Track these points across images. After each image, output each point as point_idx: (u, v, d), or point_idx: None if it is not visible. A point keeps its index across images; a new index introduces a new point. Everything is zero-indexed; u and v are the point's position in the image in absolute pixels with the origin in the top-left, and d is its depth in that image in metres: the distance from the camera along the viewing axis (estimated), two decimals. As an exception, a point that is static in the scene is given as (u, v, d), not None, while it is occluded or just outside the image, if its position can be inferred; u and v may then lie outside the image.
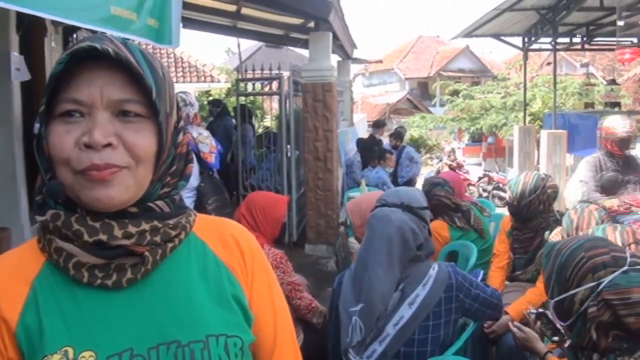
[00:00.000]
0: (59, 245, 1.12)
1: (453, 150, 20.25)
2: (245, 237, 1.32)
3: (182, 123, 1.22)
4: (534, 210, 4.14)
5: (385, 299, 2.76)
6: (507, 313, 3.95)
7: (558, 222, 4.13)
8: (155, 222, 1.15)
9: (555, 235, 4.07)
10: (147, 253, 1.14)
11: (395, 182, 11.47)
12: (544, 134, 11.91)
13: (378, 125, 13.06)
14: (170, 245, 1.18)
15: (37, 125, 1.14)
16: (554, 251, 2.17)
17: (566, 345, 2.28)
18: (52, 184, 1.11)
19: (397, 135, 12.68)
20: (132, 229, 1.12)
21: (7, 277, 1.14)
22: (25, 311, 1.11)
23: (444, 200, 4.79)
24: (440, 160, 20.52)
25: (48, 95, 1.10)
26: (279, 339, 1.31)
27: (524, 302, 3.98)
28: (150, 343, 1.12)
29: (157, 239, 1.15)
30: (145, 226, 1.13)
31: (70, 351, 1.08)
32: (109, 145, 1.07)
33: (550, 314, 2.24)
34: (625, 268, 1.99)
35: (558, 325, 2.15)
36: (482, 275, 4.21)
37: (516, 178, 4.32)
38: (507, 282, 4.33)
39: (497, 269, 4.30)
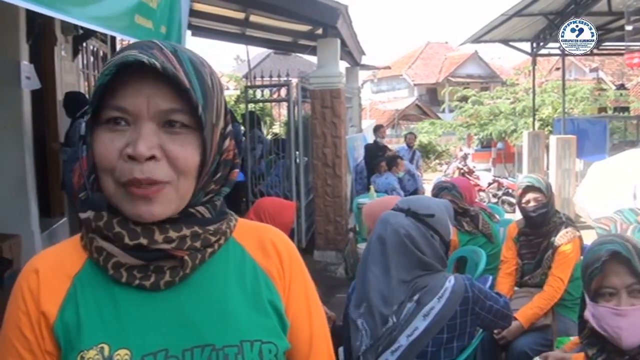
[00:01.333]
0: (99, 245, 1.13)
1: (466, 156, 20.23)
2: (285, 243, 1.31)
3: (229, 128, 1.21)
4: (547, 216, 4.14)
5: (388, 300, 2.73)
6: (516, 319, 3.95)
7: (563, 224, 4.14)
8: (196, 228, 1.15)
9: (562, 237, 4.07)
10: (186, 257, 1.14)
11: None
12: (553, 139, 11.88)
13: (376, 129, 13.14)
14: (209, 250, 1.18)
15: (83, 124, 1.15)
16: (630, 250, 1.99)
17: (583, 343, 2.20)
18: (93, 197, 1.14)
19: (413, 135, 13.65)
20: (172, 234, 1.12)
21: (49, 273, 1.15)
22: (64, 306, 1.13)
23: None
24: (451, 164, 20.46)
25: (96, 101, 1.10)
26: (315, 346, 1.30)
27: (533, 307, 3.97)
28: (185, 345, 1.12)
29: (197, 244, 1.15)
30: (186, 231, 1.14)
31: (106, 348, 1.09)
32: (152, 157, 1.07)
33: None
34: None
35: None
36: (490, 281, 4.20)
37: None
38: (516, 288, 4.32)
39: (506, 275, 4.29)
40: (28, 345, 1.12)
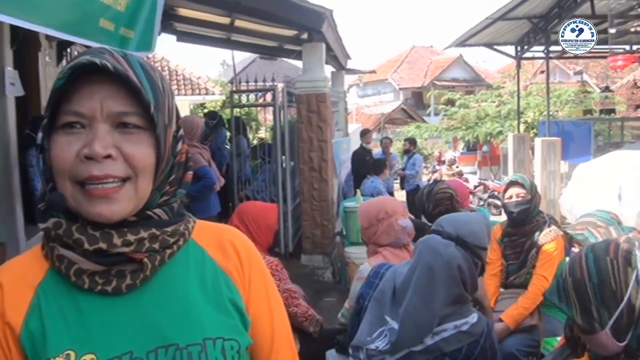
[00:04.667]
0: (60, 253, 1.14)
1: (453, 160, 20.37)
2: (243, 243, 1.34)
3: (181, 132, 1.25)
4: (529, 214, 4.17)
5: (421, 330, 2.65)
6: (502, 320, 3.97)
7: (546, 223, 4.17)
8: (154, 230, 1.18)
9: (545, 236, 4.10)
10: (145, 260, 1.16)
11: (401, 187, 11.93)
12: (538, 142, 11.96)
13: (363, 134, 13.28)
14: (168, 251, 1.20)
15: (40, 136, 1.17)
16: (569, 283, 1.97)
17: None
18: (52, 195, 1.14)
19: (412, 141, 13.88)
20: (130, 237, 1.14)
21: (12, 284, 1.17)
22: (29, 316, 1.14)
23: (449, 191, 4.69)
24: (435, 171, 20.56)
25: (51, 107, 1.13)
26: (276, 342, 1.33)
27: (518, 307, 4.00)
28: (149, 346, 1.14)
29: (156, 246, 1.18)
30: (143, 234, 1.16)
31: (72, 354, 1.11)
32: (108, 157, 1.10)
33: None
34: None
35: (615, 348, 1.92)
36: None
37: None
38: (501, 290, 4.35)
39: (490, 276, 4.31)
40: None
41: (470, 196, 15.92)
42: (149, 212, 1.18)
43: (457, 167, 20.13)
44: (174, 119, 1.22)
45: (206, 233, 1.32)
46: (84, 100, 1.11)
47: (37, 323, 1.14)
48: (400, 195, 13.32)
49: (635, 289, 1.89)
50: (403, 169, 13.29)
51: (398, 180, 14.32)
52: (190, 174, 1.28)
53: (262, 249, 3.78)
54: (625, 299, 1.89)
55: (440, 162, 21.69)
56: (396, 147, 22.53)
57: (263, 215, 3.84)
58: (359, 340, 2.80)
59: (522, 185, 4.21)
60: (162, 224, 1.20)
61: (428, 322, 2.65)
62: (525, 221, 4.21)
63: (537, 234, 4.16)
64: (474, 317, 2.70)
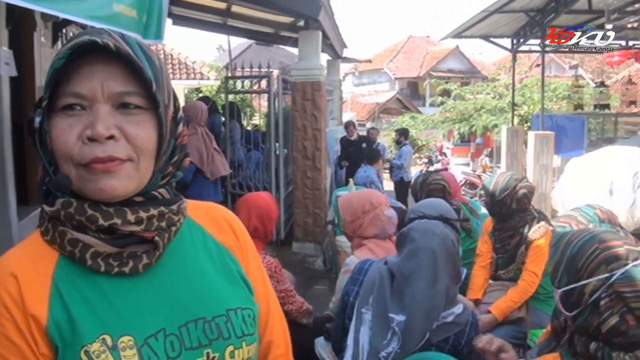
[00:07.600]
0: (74, 237, 1.14)
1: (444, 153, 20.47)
2: (235, 219, 1.40)
3: (180, 114, 1.25)
4: (507, 209, 4.17)
5: (431, 314, 2.63)
6: (490, 312, 3.99)
7: (536, 220, 4.18)
8: (162, 208, 1.19)
9: (534, 232, 4.12)
10: (157, 238, 1.17)
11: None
12: (531, 135, 11.97)
13: (346, 126, 13.51)
14: (173, 229, 1.22)
15: (37, 119, 1.16)
16: (564, 241, 2.14)
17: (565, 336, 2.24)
18: (58, 177, 1.13)
19: (402, 132, 14.44)
20: (142, 214, 1.15)
21: (28, 275, 1.13)
22: (52, 306, 1.11)
23: (442, 183, 4.74)
24: (434, 162, 20.60)
25: (50, 88, 1.12)
26: (271, 309, 1.39)
27: (507, 300, 4.02)
28: (179, 322, 1.17)
29: (163, 224, 1.19)
30: (153, 211, 1.17)
31: (108, 338, 1.10)
32: (111, 137, 1.10)
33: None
34: (639, 262, 1.98)
35: (564, 313, 2.10)
36: (464, 274, 4.23)
37: (491, 178, 4.40)
38: (490, 282, 4.37)
39: (480, 268, 4.35)
40: (18, 350, 1.09)
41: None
42: (153, 193, 1.19)
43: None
44: (172, 100, 1.22)
45: (199, 211, 1.35)
46: (84, 81, 1.10)
47: (62, 312, 1.11)
48: (390, 185, 13.48)
49: (596, 285, 1.99)
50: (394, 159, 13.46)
51: (389, 170, 14.48)
52: (188, 159, 1.29)
53: (265, 245, 3.82)
54: (581, 283, 2.02)
55: (442, 153, 21.72)
56: (391, 138, 22.60)
57: (272, 206, 3.87)
58: (372, 346, 2.77)
59: (485, 190, 4.26)
60: (167, 202, 1.21)
61: (436, 305, 2.65)
62: (503, 216, 4.23)
63: (526, 229, 4.18)
64: (459, 308, 2.72)
